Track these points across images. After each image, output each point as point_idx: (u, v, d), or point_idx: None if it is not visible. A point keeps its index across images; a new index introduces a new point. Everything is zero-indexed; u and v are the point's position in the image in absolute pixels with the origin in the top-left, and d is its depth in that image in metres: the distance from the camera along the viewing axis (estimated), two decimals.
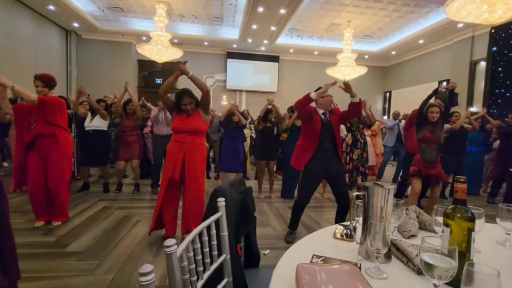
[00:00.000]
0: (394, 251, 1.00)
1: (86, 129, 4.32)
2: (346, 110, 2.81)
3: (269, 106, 4.51)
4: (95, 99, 4.46)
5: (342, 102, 2.79)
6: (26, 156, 2.98)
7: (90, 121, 4.32)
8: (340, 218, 2.85)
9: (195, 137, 2.67)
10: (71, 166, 3.42)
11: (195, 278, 0.93)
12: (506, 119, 4.92)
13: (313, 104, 2.80)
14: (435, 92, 3.40)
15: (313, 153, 2.76)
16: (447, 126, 4.22)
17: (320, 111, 2.81)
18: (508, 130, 4.67)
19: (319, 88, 2.73)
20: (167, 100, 2.69)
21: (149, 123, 5.44)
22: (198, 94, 2.71)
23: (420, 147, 3.22)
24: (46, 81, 2.97)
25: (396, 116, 5.90)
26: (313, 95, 2.65)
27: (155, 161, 4.64)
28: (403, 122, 5.52)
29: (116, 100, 4.94)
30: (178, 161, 2.61)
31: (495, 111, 7.30)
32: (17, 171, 2.97)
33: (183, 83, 2.76)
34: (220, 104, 10.88)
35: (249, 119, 5.27)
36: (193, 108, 2.66)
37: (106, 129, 4.50)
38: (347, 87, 2.60)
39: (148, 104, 5.30)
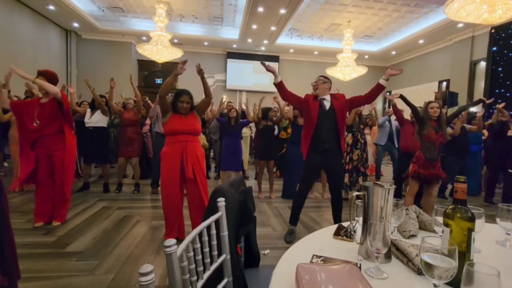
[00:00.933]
0: (394, 251, 1.00)
1: (86, 125, 4.32)
2: (359, 96, 2.68)
3: (275, 102, 4.47)
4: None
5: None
6: (33, 153, 2.96)
7: (90, 117, 4.32)
8: (336, 212, 2.84)
9: (194, 136, 2.68)
10: (74, 166, 3.43)
11: (195, 278, 0.93)
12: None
13: (313, 92, 2.79)
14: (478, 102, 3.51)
15: (310, 143, 2.69)
16: (448, 130, 4.19)
17: (320, 98, 2.72)
18: (500, 128, 4.58)
19: None
20: (166, 102, 2.65)
21: (148, 121, 5.43)
22: (197, 98, 2.73)
23: (423, 145, 3.18)
24: (50, 77, 2.98)
25: (387, 115, 5.83)
26: (274, 80, 2.71)
27: (156, 160, 4.64)
28: (393, 118, 5.49)
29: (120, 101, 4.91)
30: (189, 160, 2.59)
31: (495, 111, 7.29)
32: (23, 169, 2.96)
33: (184, 87, 2.76)
34: None
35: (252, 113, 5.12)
36: (188, 108, 2.64)
37: (106, 125, 4.49)
38: (398, 71, 2.50)
39: (149, 101, 5.26)
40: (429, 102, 3.23)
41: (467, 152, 4.57)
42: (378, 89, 2.60)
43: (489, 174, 4.82)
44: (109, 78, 4.21)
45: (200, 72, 2.60)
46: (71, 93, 4.29)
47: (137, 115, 4.42)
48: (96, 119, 4.31)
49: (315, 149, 2.71)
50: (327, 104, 2.71)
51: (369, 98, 2.67)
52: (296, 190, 4.34)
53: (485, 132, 5.24)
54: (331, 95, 2.79)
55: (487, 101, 3.93)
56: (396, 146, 5.62)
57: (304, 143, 2.79)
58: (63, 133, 3.03)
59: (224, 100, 4.96)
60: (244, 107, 5.13)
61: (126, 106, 4.39)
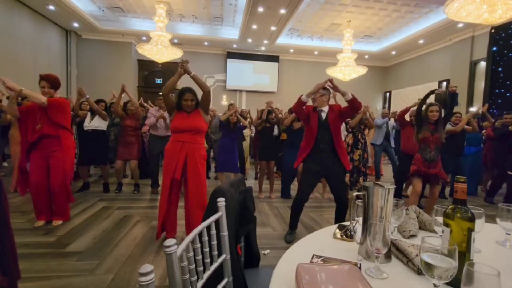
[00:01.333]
0: (394, 251, 1.00)
1: (85, 129, 4.32)
2: (346, 107, 2.78)
3: (269, 108, 4.53)
4: (95, 99, 4.47)
5: (343, 102, 2.79)
6: (29, 156, 2.98)
7: (90, 121, 4.33)
8: (339, 217, 2.84)
9: (195, 136, 2.65)
10: (72, 167, 3.43)
11: (195, 278, 0.93)
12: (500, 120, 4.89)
13: (310, 103, 2.81)
14: (432, 93, 3.38)
15: (309, 152, 2.78)
16: (448, 127, 4.21)
17: (319, 110, 2.82)
18: (504, 130, 4.57)
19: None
20: (169, 100, 2.67)
21: (147, 122, 5.44)
22: (199, 94, 2.73)
23: (420, 147, 3.23)
24: (52, 81, 2.99)
25: (385, 115, 5.84)
26: (304, 98, 2.69)
27: (153, 161, 4.64)
28: (392, 120, 5.52)
29: (114, 99, 4.93)
30: (180, 161, 2.59)
31: (495, 111, 7.30)
32: (20, 175, 2.97)
33: (185, 84, 2.78)
34: (220, 104, 10.88)
35: (249, 119, 5.29)
36: (193, 106, 2.65)
37: (105, 129, 4.50)
38: (334, 87, 2.61)
39: (146, 104, 5.29)
40: (430, 105, 3.22)
41: (462, 151, 4.59)
42: (349, 103, 2.64)
43: (494, 176, 4.82)
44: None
45: (184, 67, 2.61)
46: (73, 99, 4.32)
47: (137, 121, 4.47)
48: (95, 124, 4.33)
49: (313, 154, 2.78)
50: (323, 115, 2.82)
51: (349, 111, 2.72)
52: (293, 189, 4.38)
53: (484, 132, 5.26)
54: (329, 106, 2.86)
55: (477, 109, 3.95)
56: (393, 145, 5.65)
57: (301, 153, 2.85)
58: (63, 134, 3.05)
59: (226, 102, 5.01)
60: (244, 107, 5.18)
61: (128, 112, 4.41)
